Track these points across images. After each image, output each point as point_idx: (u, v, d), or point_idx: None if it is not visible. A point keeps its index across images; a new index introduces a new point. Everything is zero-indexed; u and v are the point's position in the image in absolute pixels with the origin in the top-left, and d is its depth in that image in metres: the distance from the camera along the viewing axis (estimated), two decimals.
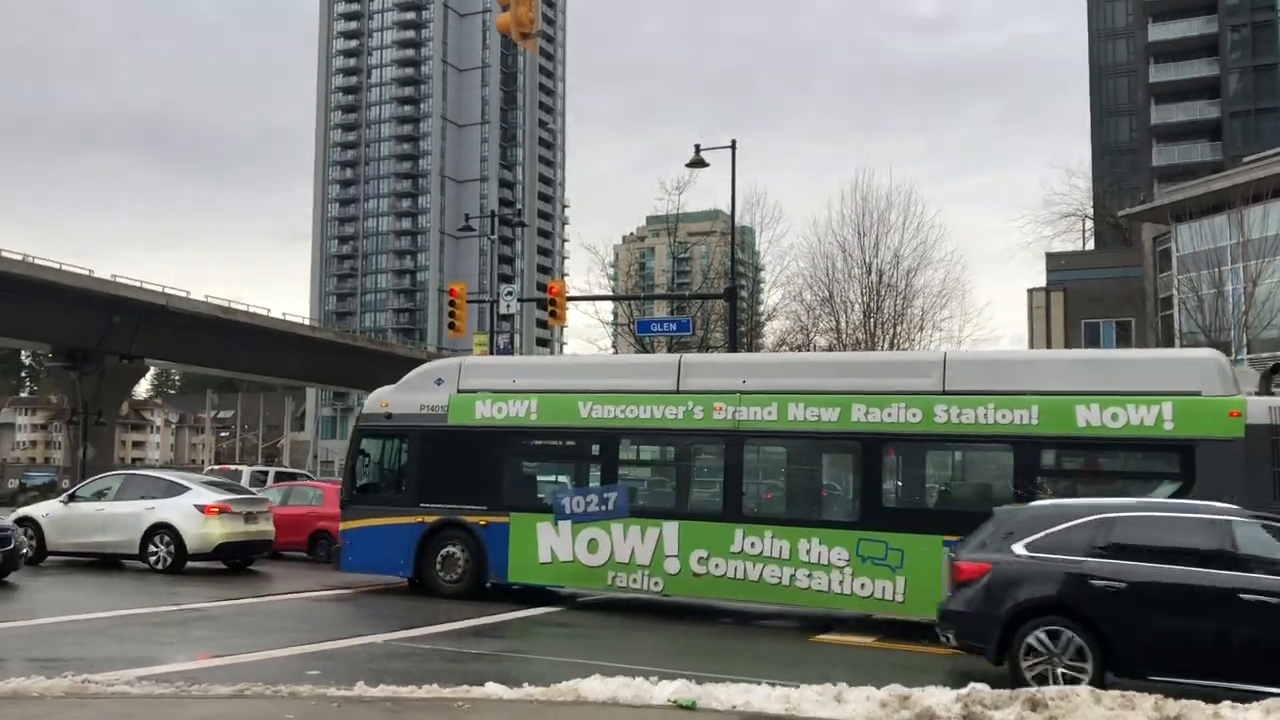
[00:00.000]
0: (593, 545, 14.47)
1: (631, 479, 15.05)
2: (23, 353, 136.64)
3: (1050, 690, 7.82)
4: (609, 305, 45.08)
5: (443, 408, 15.69)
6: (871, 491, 13.48)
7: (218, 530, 18.08)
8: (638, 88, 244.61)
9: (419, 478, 15.72)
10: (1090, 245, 65.55)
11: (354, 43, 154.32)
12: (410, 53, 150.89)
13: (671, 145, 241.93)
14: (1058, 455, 13.06)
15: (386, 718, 7.46)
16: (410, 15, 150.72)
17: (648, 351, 36.12)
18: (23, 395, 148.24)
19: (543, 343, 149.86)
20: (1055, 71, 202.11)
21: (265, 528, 19.13)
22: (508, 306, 36.14)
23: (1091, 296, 41.97)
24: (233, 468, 31.41)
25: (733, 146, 30.26)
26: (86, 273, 51.74)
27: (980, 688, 7.99)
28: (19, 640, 11.37)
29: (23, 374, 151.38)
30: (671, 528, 14.11)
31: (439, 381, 16.01)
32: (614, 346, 52.79)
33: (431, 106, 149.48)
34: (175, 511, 18.08)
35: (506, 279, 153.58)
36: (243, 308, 61.90)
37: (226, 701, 7.91)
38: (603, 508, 14.43)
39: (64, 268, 50.50)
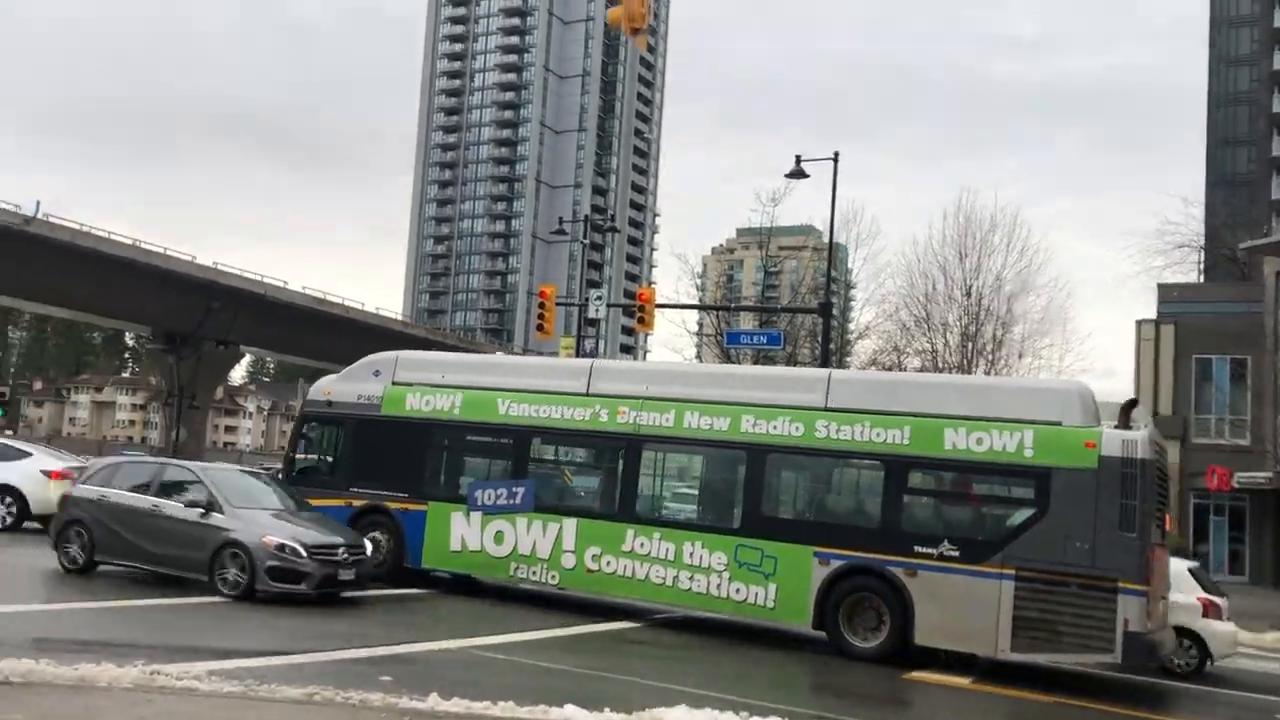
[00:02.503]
0: (499, 537, 14.99)
1: (539, 475, 15.53)
2: (126, 334, 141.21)
3: None
4: (695, 315, 44.70)
5: (377, 398, 16.39)
6: (752, 500, 13.85)
7: (60, 494, 18.55)
8: (730, 101, 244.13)
9: (351, 463, 16.43)
10: (1201, 278, 62.95)
11: (459, 46, 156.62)
12: (513, 58, 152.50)
13: (763, 159, 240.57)
14: (924, 475, 13.37)
15: None
16: (515, 21, 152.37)
17: (734, 363, 35.52)
18: (124, 375, 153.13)
19: (627, 349, 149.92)
20: (1157, 99, 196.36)
21: None
22: (596, 310, 35.81)
23: (1205, 331, 39.95)
24: None
25: (835, 159, 29.49)
26: (189, 259, 52.84)
27: None
28: (91, 620, 11.23)
29: (125, 355, 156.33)
30: (571, 524, 14.63)
31: (376, 373, 16.77)
32: (698, 357, 52.22)
33: (531, 112, 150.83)
34: (19, 474, 18.94)
35: (595, 284, 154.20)
36: (338, 300, 62.75)
37: (295, 706, 7.54)
38: (510, 501, 14.95)
39: (169, 253, 51.67)
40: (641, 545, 14.04)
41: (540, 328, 35.19)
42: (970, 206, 40.49)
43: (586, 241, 51.71)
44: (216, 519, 13.31)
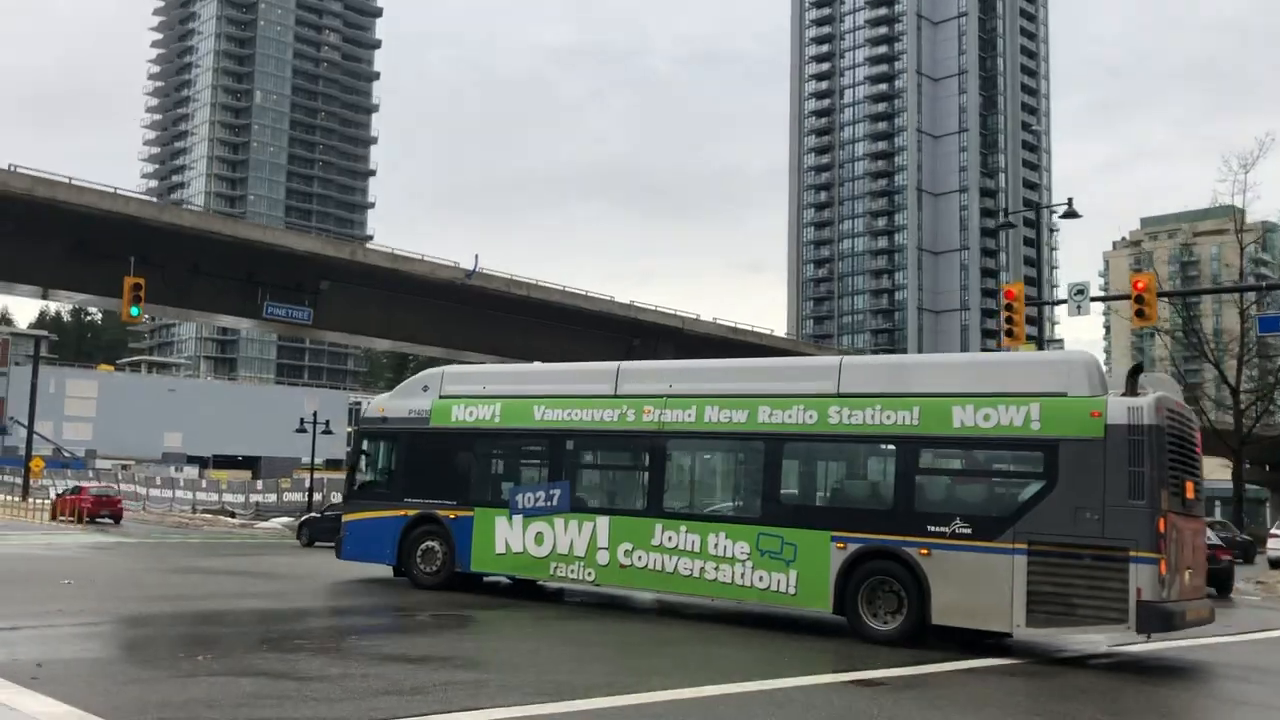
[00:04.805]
0: (539, 538, 15.52)
1: (574, 477, 15.81)
2: None
3: None
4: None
5: (426, 412, 17.10)
6: (771, 489, 14.06)
7: None
8: (1105, 85, 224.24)
9: (404, 475, 17.23)
10: None
11: (825, 66, 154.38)
12: (883, 68, 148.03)
13: (1145, 144, 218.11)
14: (935, 454, 13.37)
15: None
16: (883, 30, 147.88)
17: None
18: None
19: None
20: None
21: None
22: (1077, 309, 30.88)
23: None
24: None
25: None
26: (609, 298, 53.26)
27: None
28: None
29: None
30: (604, 522, 15.04)
31: (425, 388, 17.49)
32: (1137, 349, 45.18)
33: (906, 120, 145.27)
34: None
35: (990, 293, 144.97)
36: (748, 327, 61.35)
37: None
38: (548, 503, 15.52)
39: (589, 294, 52.29)
40: (669, 539, 14.35)
41: (1009, 333, 30.94)
42: None
43: (1055, 227, 46.03)
44: None
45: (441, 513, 16.46)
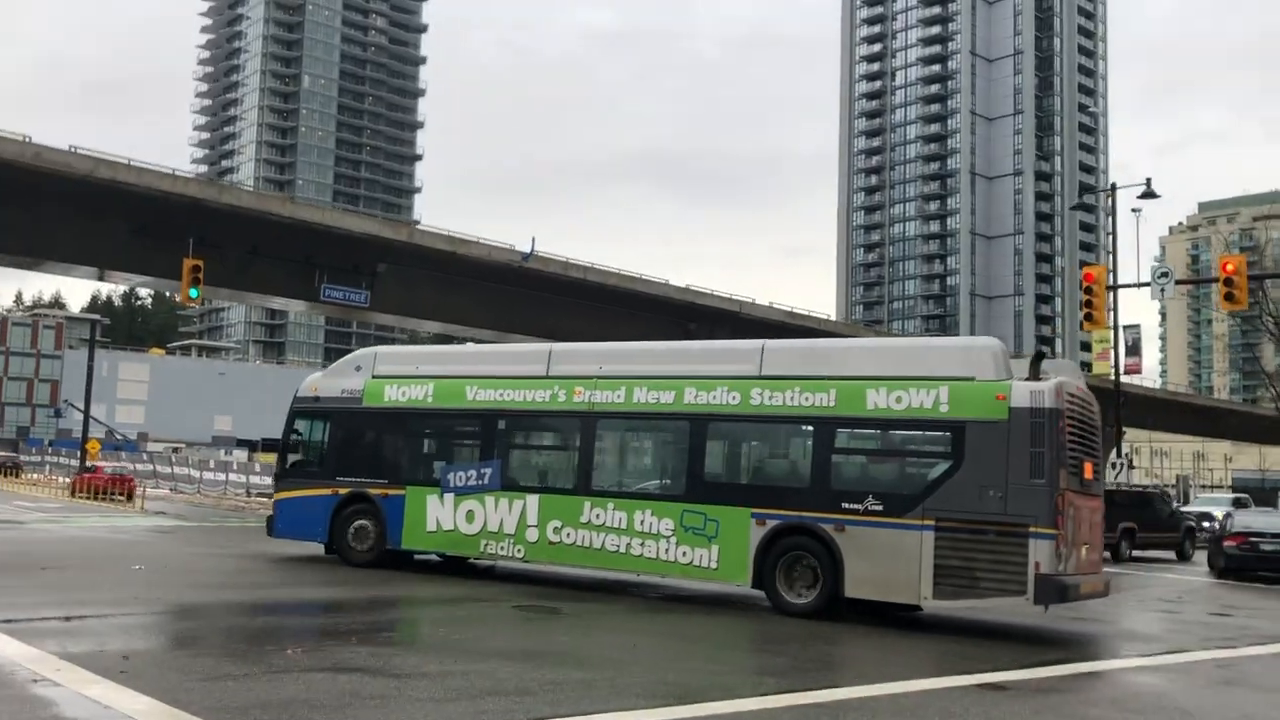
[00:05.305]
0: (470, 516, 15.75)
1: (505, 456, 16.02)
2: None
3: None
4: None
5: (359, 391, 17.21)
6: (695, 467, 14.43)
7: None
8: (1156, 67, 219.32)
9: (336, 454, 17.30)
10: None
11: (877, 46, 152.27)
12: (936, 49, 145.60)
13: (1200, 126, 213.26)
14: (850, 434, 13.81)
15: None
16: (936, 10, 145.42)
17: None
18: None
19: (1087, 347, 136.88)
20: None
21: None
22: (1161, 291, 29.74)
23: None
24: None
25: None
26: (663, 281, 52.55)
27: None
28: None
29: None
30: (534, 500, 15.33)
31: (358, 368, 17.65)
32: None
33: (960, 102, 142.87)
34: None
35: (1045, 278, 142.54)
36: (805, 312, 60.40)
37: None
38: (479, 481, 15.74)
39: (645, 277, 51.60)
40: (597, 516, 14.71)
41: (1089, 317, 30.17)
42: None
43: (1139, 210, 44.34)
44: None
45: (373, 491, 16.63)
